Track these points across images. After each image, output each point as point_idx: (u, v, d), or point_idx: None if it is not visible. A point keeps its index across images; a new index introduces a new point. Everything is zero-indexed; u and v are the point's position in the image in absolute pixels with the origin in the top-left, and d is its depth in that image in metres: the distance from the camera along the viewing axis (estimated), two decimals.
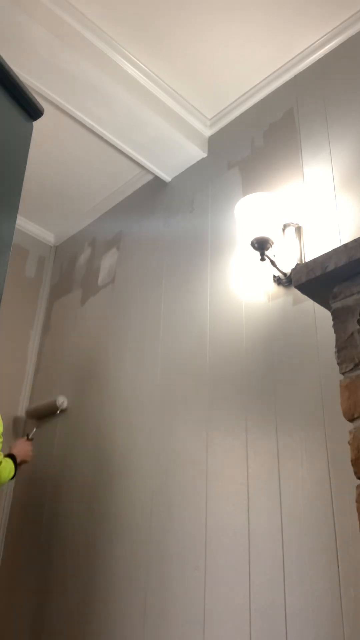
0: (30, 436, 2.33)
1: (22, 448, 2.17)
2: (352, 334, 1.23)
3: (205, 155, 2.52)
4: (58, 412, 2.56)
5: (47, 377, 2.80)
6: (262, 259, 1.82)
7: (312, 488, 1.54)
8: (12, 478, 2.02)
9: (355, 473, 1.12)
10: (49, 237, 3.26)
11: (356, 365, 1.19)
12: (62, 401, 2.56)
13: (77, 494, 2.29)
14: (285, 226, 1.93)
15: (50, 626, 2.13)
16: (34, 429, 2.49)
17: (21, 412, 2.79)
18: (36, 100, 1.61)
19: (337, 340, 1.25)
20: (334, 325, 1.28)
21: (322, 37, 2.15)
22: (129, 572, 1.93)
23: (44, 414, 2.64)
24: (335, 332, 1.27)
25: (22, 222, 3.11)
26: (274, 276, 1.90)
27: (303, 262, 1.82)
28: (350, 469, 1.15)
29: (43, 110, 1.64)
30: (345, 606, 1.36)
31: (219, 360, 1.97)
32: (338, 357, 1.24)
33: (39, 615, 2.20)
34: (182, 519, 1.84)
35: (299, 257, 1.86)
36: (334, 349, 1.25)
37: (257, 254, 1.83)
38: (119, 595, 1.93)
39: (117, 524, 2.05)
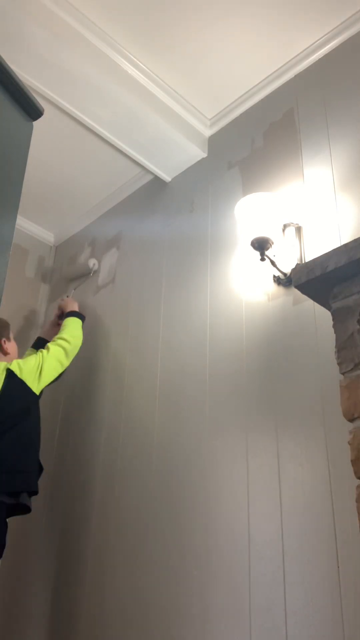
0: (70, 295, 2.72)
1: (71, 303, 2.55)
2: (352, 334, 1.23)
3: (205, 155, 2.52)
4: (91, 274, 2.83)
5: None
6: (262, 259, 1.82)
7: (312, 488, 1.54)
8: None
9: (355, 473, 1.12)
10: (49, 237, 3.26)
11: (356, 365, 1.19)
12: (93, 263, 2.83)
13: (77, 494, 2.29)
14: (285, 226, 1.93)
15: (49, 625, 2.13)
16: (72, 290, 2.83)
17: None
18: (36, 100, 1.61)
19: (337, 340, 1.26)
20: (334, 325, 1.28)
21: (322, 37, 2.15)
22: (128, 571, 1.93)
23: (76, 276, 2.90)
24: (335, 332, 1.27)
25: (22, 222, 3.11)
26: (274, 276, 1.90)
27: (303, 262, 1.82)
28: (350, 469, 1.15)
29: (43, 110, 1.64)
30: (345, 606, 1.36)
31: (219, 360, 1.97)
32: (338, 357, 1.24)
33: (37, 612, 2.20)
34: (182, 519, 1.84)
35: (299, 257, 1.86)
36: (334, 349, 1.26)
37: (257, 254, 1.83)
38: (118, 594, 1.93)
39: (117, 524, 2.05)
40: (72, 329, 2.36)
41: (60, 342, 2.26)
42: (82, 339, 2.36)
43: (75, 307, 2.52)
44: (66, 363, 2.24)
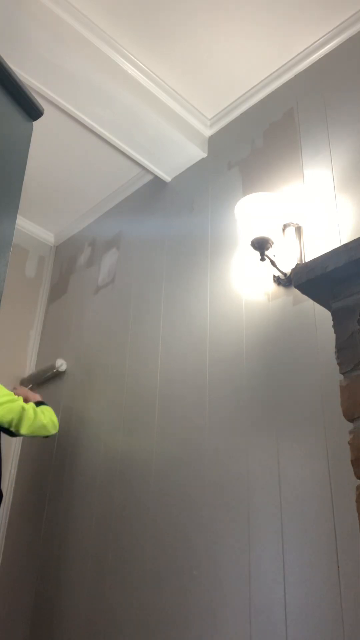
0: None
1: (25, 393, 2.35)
2: (352, 334, 1.23)
3: (205, 155, 2.52)
4: (55, 370, 2.66)
5: None
6: (262, 259, 1.82)
7: (312, 488, 1.54)
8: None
9: (355, 473, 1.12)
10: (49, 237, 3.26)
11: (356, 366, 1.19)
12: (60, 363, 2.66)
13: (77, 495, 2.29)
14: (285, 226, 1.93)
15: (50, 625, 2.13)
16: (30, 385, 2.71)
17: None
18: (36, 100, 1.61)
19: (337, 340, 1.25)
20: (334, 325, 1.28)
21: (322, 37, 2.15)
22: (128, 572, 1.93)
23: (42, 379, 2.74)
24: (335, 332, 1.27)
25: (22, 222, 3.11)
26: (274, 276, 1.90)
27: (303, 262, 1.82)
28: (350, 469, 1.15)
29: (43, 110, 1.64)
30: (345, 606, 1.36)
31: (219, 360, 1.97)
32: (338, 357, 1.24)
33: (39, 611, 2.20)
34: (181, 519, 1.84)
35: (299, 257, 1.86)
36: (334, 349, 1.25)
37: (257, 254, 1.83)
38: (118, 594, 1.93)
39: (117, 524, 2.05)
40: (51, 412, 2.18)
41: (38, 409, 2.10)
42: (56, 428, 2.17)
43: (39, 398, 2.31)
44: (22, 427, 2.01)
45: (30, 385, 2.72)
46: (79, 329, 2.75)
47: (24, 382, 2.79)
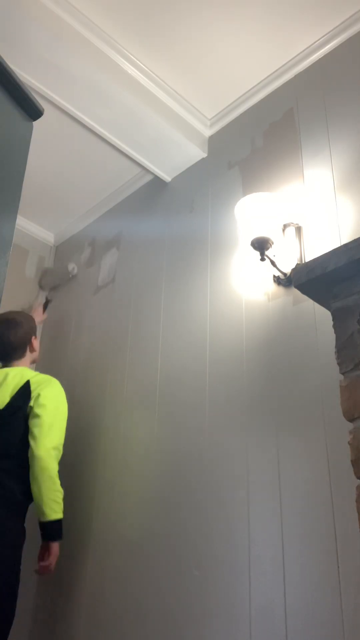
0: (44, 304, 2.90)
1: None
2: (352, 334, 1.23)
3: (205, 155, 2.52)
4: (70, 276, 2.87)
5: None
6: (262, 259, 1.82)
7: (312, 488, 1.54)
8: None
9: (355, 473, 1.12)
10: (49, 237, 3.26)
11: (356, 366, 1.19)
12: (72, 267, 2.86)
13: (76, 496, 2.29)
14: (285, 226, 1.93)
15: (47, 624, 2.13)
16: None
17: None
18: (36, 100, 1.61)
19: (337, 340, 1.26)
20: (334, 325, 1.28)
21: (322, 37, 2.15)
22: (129, 573, 1.93)
23: (56, 283, 2.96)
24: (335, 332, 1.27)
25: (22, 222, 3.11)
26: (274, 276, 1.90)
27: (303, 262, 1.82)
28: (350, 469, 1.15)
29: (43, 110, 1.63)
30: (345, 606, 1.36)
31: (218, 360, 1.97)
32: (338, 357, 1.24)
33: (37, 610, 2.20)
34: (182, 520, 1.84)
35: (299, 257, 1.86)
36: (334, 349, 1.26)
37: (257, 254, 1.83)
38: (118, 595, 1.93)
39: (117, 525, 2.05)
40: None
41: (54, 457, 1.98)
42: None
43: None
44: (38, 447, 1.92)
45: (46, 295, 2.97)
46: (78, 329, 2.75)
47: (40, 285, 3.05)
